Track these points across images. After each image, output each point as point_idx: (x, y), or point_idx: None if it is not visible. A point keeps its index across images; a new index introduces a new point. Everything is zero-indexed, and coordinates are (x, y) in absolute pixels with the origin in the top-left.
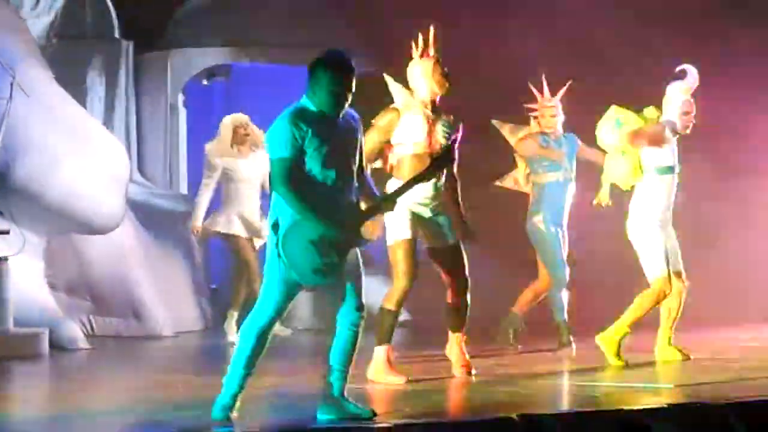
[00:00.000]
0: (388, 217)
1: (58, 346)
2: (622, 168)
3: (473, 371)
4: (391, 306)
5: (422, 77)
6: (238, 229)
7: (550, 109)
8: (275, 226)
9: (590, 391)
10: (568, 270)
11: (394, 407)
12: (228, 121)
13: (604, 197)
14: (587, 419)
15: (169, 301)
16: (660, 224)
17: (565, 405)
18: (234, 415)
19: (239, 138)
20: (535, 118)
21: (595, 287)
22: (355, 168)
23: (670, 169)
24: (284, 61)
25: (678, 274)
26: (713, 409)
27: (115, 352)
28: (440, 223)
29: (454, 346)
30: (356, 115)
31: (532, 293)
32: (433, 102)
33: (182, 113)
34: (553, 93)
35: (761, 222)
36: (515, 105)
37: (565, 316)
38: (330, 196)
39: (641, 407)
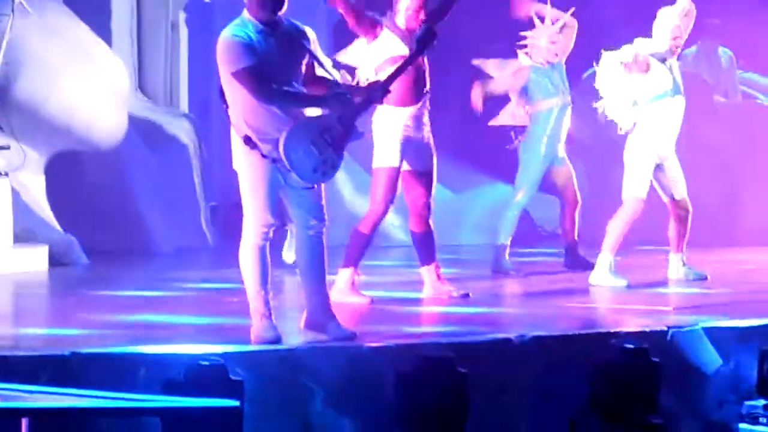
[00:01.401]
0: (378, 138)
1: (58, 261)
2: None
3: (468, 292)
4: (364, 230)
5: None
6: None
7: (550, 35)
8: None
9: (587, 313)
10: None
11: (378, 328)
12: None
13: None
14: (585, 341)
15: (169, 217)
16: (656, 152)
17: (563, 326)
18: None
19: None
20: (523, 47)
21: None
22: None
23: (666, 94)
24: None
25: (682, 201)
26: (711, 333)
27: (115, 267)
28: (427, 147)
29: (432, 277)
30: (301, 27)
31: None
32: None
33: (183, 31)
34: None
35: (758, 144)
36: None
37: (508, 240)
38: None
39: (639, 329)
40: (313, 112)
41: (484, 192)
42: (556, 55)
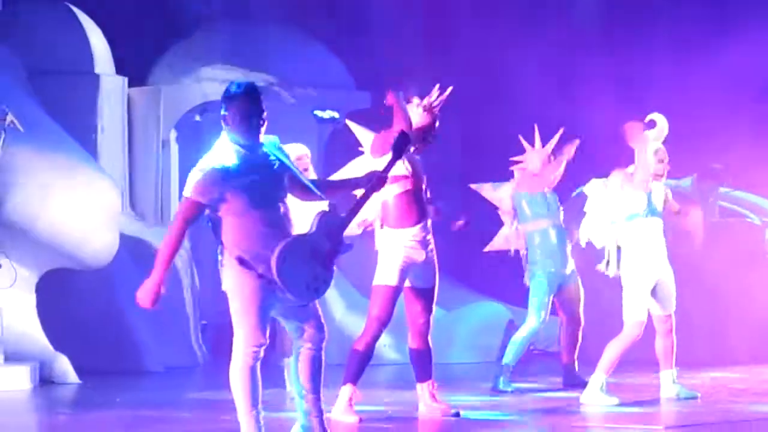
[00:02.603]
0: (381, 257)
1: (48, 380)
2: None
3: (457, 410)
4: (360, 347)
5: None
6: None
7: (541, 157)
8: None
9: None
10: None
11: None
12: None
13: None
14: None
15: (159, 337)
16: (653, 273)
17: None
18: None
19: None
20: (520, 169)
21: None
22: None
23: (637, 215)
24: (276, 97)
25: (670, 317)
26: None
27: (106, 387)
28: (430, 265)
29: (426, 395)
30: (276, 143)
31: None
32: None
33: (174, 148)
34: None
35: (748, 262)
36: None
37: (514, 363)
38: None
39: None
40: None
41: (475, 310)
42: (552, 179)
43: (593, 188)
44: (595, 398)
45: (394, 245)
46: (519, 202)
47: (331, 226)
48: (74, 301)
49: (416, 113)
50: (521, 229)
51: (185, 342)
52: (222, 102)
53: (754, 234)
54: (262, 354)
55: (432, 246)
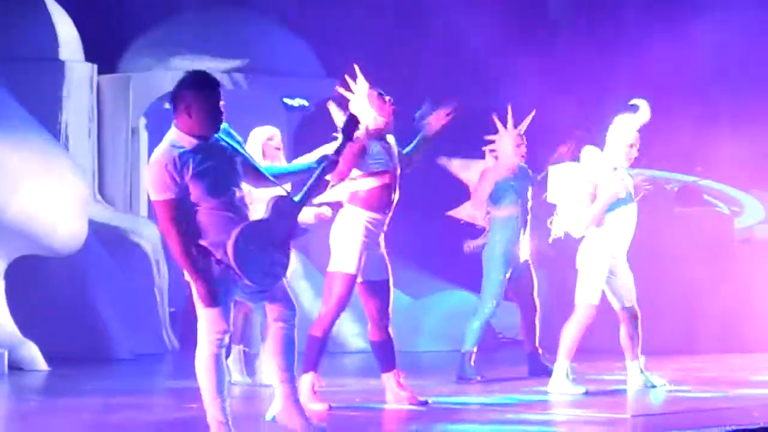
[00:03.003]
0: (337, 243)
1: (17, 367)
2: (573, 217)
3: (425, 398)
4: (318, 333)
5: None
6: None
7: (514, 138)
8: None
9: (547, 422)
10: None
11: None
12: (257, 135)
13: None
14: None
15: (128, 323)
16: (608, 259)
17: None
18: None
19: (271, 152)
20: (492, 151)
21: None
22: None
23: (616, 204)
24: (245, 85)
25: (633, 308)
26: None
27: (74, 374)
28: (382, 257)
29: (392, 384)
30: (226, 128)
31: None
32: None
33: (144, 136)
34: (515, 124)
35: (717, 251)
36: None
37: (474, 348)
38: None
39: None
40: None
41: (443, 298)
42: (522, 157)
43: (554, 178)
44: (561, 386)
45: (355, 229)
46: (492, 186)
47: (285, 210)
48: (43, 288)
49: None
50: (492, 211)
51: (154, 330)
52: (178, 93)
53: (723, 223)
54: (226, 341)
55: (383, 239)
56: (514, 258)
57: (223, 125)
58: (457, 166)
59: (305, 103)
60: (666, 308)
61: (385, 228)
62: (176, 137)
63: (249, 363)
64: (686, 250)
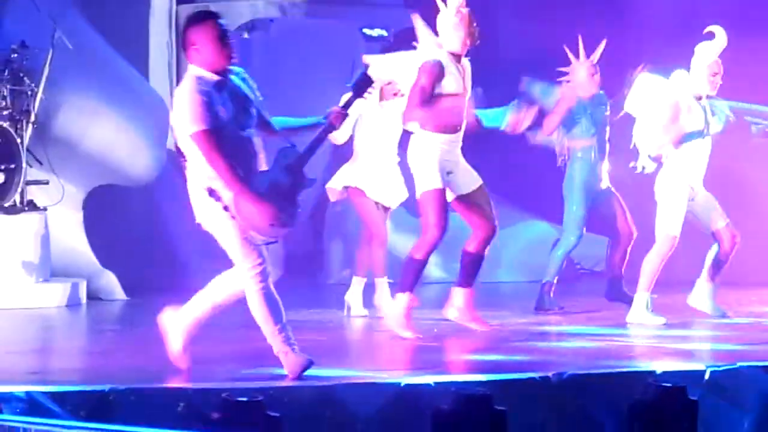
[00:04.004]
0: (417, 167)
1: (96, 296)
2: (649, 136)
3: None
4: (419, 255)
5: (453, 29)
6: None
7: (588, 68)
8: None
9: (625, 351)
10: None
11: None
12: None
13: (645, 165)
14: (622, 379)
15: (206, 253)
16: (686, 188)
17: (600, 365)
18: None
19: (388, 96)
20: (568, 83)
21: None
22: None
23: (696, 135)
24: (324, 15)
25: (726, 230)
26: (750, 373)
27: (152, 303)
28: (466, 169)
29: (463, 301)
30: (243, 74)
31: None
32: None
33: None
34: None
35: None
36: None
37: (555, 279)
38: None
39: (677, 368)
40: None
41: (522, 230)
42: (598, 85)
43: (642, 86)
44: (641, 317)
45: (430, 149)
46: (570, 109)
47: (290, 160)
48: (121, 217)
49: (448, 17)
50: (566, 143)
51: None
52: (183, 35)
53: None
54: (269, 269)
55: (459, 148)
56: (593, 188)
57: (239, 70)
58: (538, 92)
59: (384, 33)
60: (748, 242)
61: (460, 144)
62: (196, 73)
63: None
64: (765, 182)
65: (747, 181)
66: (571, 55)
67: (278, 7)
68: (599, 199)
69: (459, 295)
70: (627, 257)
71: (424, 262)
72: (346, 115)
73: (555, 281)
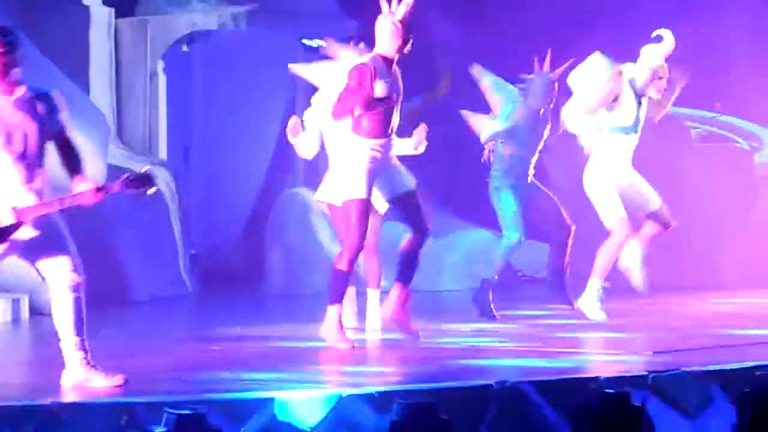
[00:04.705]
0: (343, 173)
1: (38, 311)
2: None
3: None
4: (342, 266)
5: (391, 34)
6: None
7: (546, 82)
8: None
9: (568, 357)
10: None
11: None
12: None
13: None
14: (565, 386)
15: (147, 265)
16: (612, 177)
17: (542, 372)
18: None
19: None
20: (523, 90)
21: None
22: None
23: (623, 130)
24: (264, 26)
25: (660, 211)
26: (692, 377)
27: (94, 317)
28: (398, 170)
29: (396, 300)
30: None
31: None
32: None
33: (162, 79)
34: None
35: (737, 187)
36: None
37: (494, 277)
38: None
39: (621, 374)
40: None
41: (463, 237)
42: (551, 103)
43: (592, 64)
44: (588, 305)
45: (359, 154)
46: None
47: None
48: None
49: (389, 22)
50: (501, 149)
51: (172, 272)
52: None
53: (743, 159)
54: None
55: (391, 152)
56: (521, 187)
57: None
58: (488, 83)
59: (323, 43)
60: (687, 245)
61: (390, 149)
62: None
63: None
64: (706, 187)
65: (687, 186)
66: (536, 66)
67: (217, 19)
68: (527, 197)
69: (394, 293)
70: (568, 255)
71: (348, 272)
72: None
73: (494, 279)
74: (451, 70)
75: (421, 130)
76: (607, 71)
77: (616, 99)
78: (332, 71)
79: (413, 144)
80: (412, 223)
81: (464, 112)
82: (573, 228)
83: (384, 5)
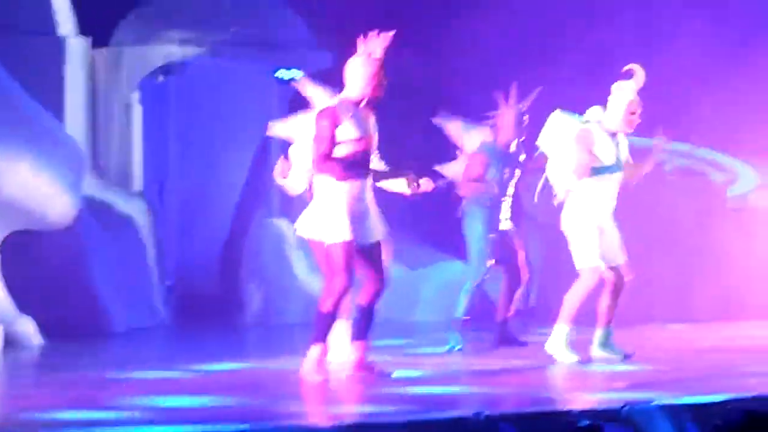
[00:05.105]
0: (325, 216)
1: (12, 342)
2: (563, 171)
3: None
4: (327, 308)
5: (362, 77)
6: None
7: (516, 115)
8: None
9: (542, 390)
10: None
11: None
12: None
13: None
14: (540, 419)
15: (123, 297)
16: (595, 219)
17: (517, 405)
18: None
19: None
20: (494, 126)
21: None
22: None
23: (606, 169)
24: (241, 58)
25: (618, 271)
26: (666, 410)
27: (69, 348)
28: (376, 218)
29: (357, 355)
30: None
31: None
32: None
33: (137, 110)
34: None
35: (710, 220)
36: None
37: (463, 315)
38: None
39: (594, 408)
40: None
41: (439, 269)
42: (522, 135)
43: (555, 123)
44: (557, 350)
45: (337, 198)
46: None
47: None
48: (38, 262)
49: (356, 62)
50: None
51: (148, 303)
52: None
53: (716, 192)
54: None
55: (371, 197)
56: (494, 223)
57: None
58: (455, 127)
59: (300, 74)
60: (661, 276)
61: (367, 190)
62: None
63: None
64: (679, 219)
65: (660, 218)
66: (501, 100)
67: (193, 50)
68: (499, 239)
69: (356, 350)
70: (515, 299)
71: (334, 314)
72: None
73: (463, 317)
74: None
75: (428, 184)
76: (574, 127)
77: (590, 149)
78: (307, 124)
79: (407, 188)
80: (373, 274)
81: (438, 120)
82: (526, 277)
83: (360, 46)
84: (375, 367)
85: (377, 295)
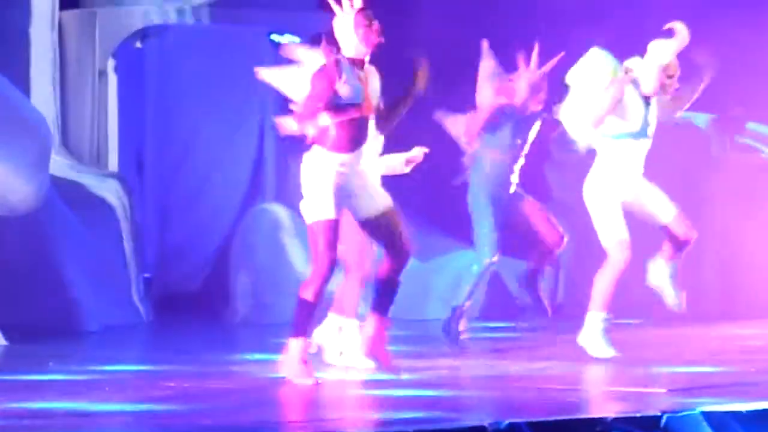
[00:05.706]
0: (309, 191)
1: None
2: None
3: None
4: (308, 295)
5: (348, 32)
6: None
7: (531, 80)
8: None
9: (571, 394)
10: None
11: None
12: None
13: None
14: (568, 428)
15: (96, 290)
16: (617, 192)
17: (542, 411)
18: None
19: None
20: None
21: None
22: None
23: (632, 135)
24: (228, 20)
25: (675, 221)
26: (711, 419)
27: (36, 349)
28: (375, 189)
29: (373, 330)
30: None
31: None
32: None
33: (112, 79)
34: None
35: (762, 202)
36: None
37: (466, 304)
38: None
39: (631, 414)
40: None
41: (453, 260)
42: (539, 102)
43: (593, 59)
44: (593, 341)
45: (324, 170)
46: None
47: None
48: (1, 251)
49: (343, 20)
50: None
51: (124, 297)
52: None
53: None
54: None
55: (363, 166)
56: (502, 199)
57: None
58: (452, 124)
59: (296, 39)
60: (708, 267)
61: (360, 163)
62: None
63: None
64: (727, 202)
65: (704, 201)
66: (521, 63)
67: (175, 12)
68: (508, 210)
69: (369, 323)
70: (552, 264)
71: (315, 303)
72: None
73: (466, 306)
74: (425, 63)
75: (419, 153)
76: (611, 70)
77: (619, 101)
78: (305, 77)
79: (404, 160)
80: (387, 245)
81: (439, 114)
82: (565, 239)
83: (335, 6)
84: (389, 359)
85: (397, 266)
